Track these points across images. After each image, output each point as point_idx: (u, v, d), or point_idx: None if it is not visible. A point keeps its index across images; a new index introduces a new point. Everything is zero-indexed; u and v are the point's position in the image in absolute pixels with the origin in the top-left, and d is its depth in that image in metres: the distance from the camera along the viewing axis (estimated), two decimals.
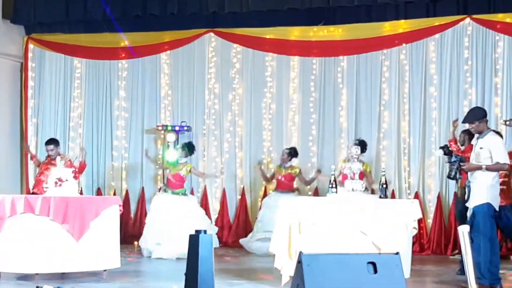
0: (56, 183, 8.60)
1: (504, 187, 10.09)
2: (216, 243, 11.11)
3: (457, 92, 12.13)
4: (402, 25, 12.48)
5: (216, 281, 6.49)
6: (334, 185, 8.47)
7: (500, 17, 11.96)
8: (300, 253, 5.64)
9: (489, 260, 7.58)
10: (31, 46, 13.94)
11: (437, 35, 12.28)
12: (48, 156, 11.09)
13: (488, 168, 7.81)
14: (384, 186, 8.47)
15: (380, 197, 8.29)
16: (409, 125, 12.34)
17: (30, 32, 14.00)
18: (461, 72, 12.13)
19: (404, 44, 12.44)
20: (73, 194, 8.62)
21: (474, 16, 12.05)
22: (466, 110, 11.92)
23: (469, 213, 7.97)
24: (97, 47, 13.61)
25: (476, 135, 8.19)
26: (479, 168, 7.83)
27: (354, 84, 12.68)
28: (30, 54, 13.93)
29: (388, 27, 12.53)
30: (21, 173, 13.84)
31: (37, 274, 8.14)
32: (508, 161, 7.90)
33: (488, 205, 7.80)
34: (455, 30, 12.18)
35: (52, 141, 11.20)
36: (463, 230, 5.97)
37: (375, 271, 5.64)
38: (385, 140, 12.41)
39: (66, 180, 8.60)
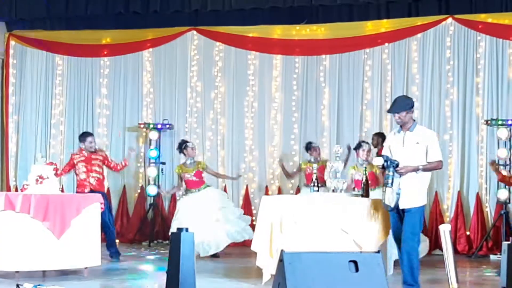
0: (37, 180, 8.54)
1: None
2: (249, 234, 10.84)
3: (439, 92, 12.19)
4: (384, 25, 12.52)
5: (198, 279, 6.48)
6: (316, 184, 8.47)
7: (482, 17, 12.03)
8: (282, 251, 5.65)
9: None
10: (12, 42, 13.84)
11: (419, 35, 12.33)
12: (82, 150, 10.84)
13: (425, 169, 7.31)
14: (365, 184, 8.47)
15: (362, 196, 8.30)
16: (391, 125, 12.35)
17: (12, 29, 13.91)
18: (443, 71, 12.18)
19: (386, 44, 12.48)
20: (54, 191, 8.58)
21: (456, 16, 12.11)
22: (448, 109, 12.07)
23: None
24: (79, 44, 13.54)
25: (397, 129, 7.54)
26: (416, 169, 7.26)
27: (336, 83, 12.71)
28: (11, 51, 13.83)
29: (371, 27, 12.57)
30: (1, 170, 13.74)
31: (17, 272, 8.09)
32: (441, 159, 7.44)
33: (424, 207, 7.49)
34: (437, 30, 12.24)
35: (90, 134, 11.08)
36: (444, 229, 5.99)
37: (357, 270, 5.65)
38: (367, 139, 12.42)
39: (47, 178, 8.55)
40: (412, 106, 7.45)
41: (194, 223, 10.30)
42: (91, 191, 10.22)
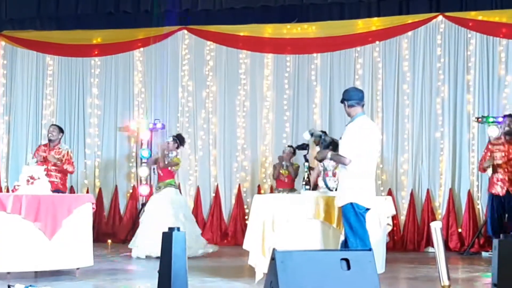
0: (28, 181, 8.51)
1: None
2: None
3: (430, 90, 12.21)
4: (375, 23, 12.54)
5: (189, 279, 6.47)
6: (307, 182, 8.47)
7: (472, 15, 12.06)
8: (274, 250, 5.64)
9: None
10: (2, 43, 13.82)
11: (410, 33, 12.35)
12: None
13: (332, 158, 7.09)
14: None
15: None
16: (382, 122, 12.40)
17: (2, 29, 13.86)
18: (434, 69, 12.21)
19: (377, 42, 12.51)
20: (45, 192, 8.55)
21: (447, 13, 12.15)
22: (439, 107, 12.10)
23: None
24: (69, 44, 13.51)
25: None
26: (325, 156, 7.08)
27: (328, 81, 12.72)
28: (1, 52, 13.82)
29: (361, 25, 12.59)
30: None
31: (9, 273, 8.06)
32: (351, 156, 6.90)
33: (354, 205, 7.04)
34: (428, 27, 12.27)
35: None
36: (436, 227, 5.99)
37: (349, 268, 5.65)
38: None
39: (38, 178, 8.52)
40: (353, 101, 7.05)
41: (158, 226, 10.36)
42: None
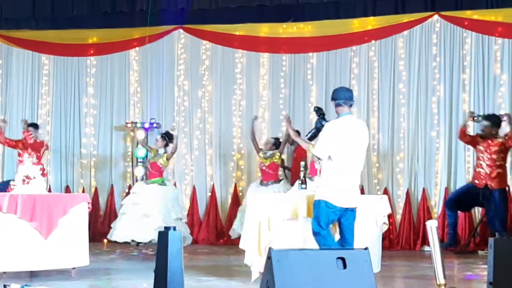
0: (23, 180, 8.50)
1: (500, 170, 10.34)
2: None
3: (426, 89, 12.23)
4: (371, 22, 12.54)
5: (186, 278, 6.47)
6: (303, 181, 8.46)
7: (467, 14, 12.07)
8: (270, 249, 5.64)
9: None
10: None
11: (405, 32, 12.36)
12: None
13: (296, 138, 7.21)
14: None
15: None
16: (378, 121, 12.41)
17: None
18: (430, 68, 12.22)
19: (373, 41, 12.51)
20: (41, 191, 8.54)
21: (442, 13, 12.16)
22: (435, 106, 12.12)
23: None
24: (65, 44, 13.50)
25: None
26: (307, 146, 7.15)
27: (324, 80, 12.73)
28: None
29: (357, 24, 12.59)
30: None
31: (4, 272, 8.05)
32: (323, 155, 6.94)
33: (324, 202, 7.02)
34: (423, 27, 12.28)
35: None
36: (431, 225, 6.00)
37: (345, 266, 5.65)
38: None
39: (34, 178, 8.51)
40: (340, 100, 7.03)
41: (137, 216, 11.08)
42: None
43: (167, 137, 11.61)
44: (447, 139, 12.09)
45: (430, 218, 11.54)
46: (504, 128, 11.08)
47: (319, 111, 8.42)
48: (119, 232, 11.37)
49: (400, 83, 12.35)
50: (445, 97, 12.13)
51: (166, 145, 11.60)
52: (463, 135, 11.21)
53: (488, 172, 10.73)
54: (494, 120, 10.81)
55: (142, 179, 12.42)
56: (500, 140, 10.78)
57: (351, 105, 7.17)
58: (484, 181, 10.75)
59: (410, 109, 12.26)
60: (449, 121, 12.11)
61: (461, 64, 12.09)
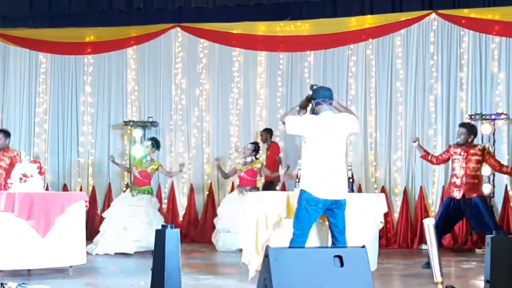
0: (21, 179, 8.50)
1: (476, 180, 10.15)
2: None
3: (423, 87, 12.23)
4: (368, 20, 12.54)
5: (183, 277, 6.48)
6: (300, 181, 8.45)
7: (465, 12, 12.07)
8: (267, 247, 5.65)
9: None
10: None
11: (403, 30, 12.36)
12: None
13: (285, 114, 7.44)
14: (351, 180, 8.48)
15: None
16: (375, 120, 12.41)
17: None
18: (427, 67, 12.23)
19: (370, 39, 12.51)
20: (38, 190, 8.54)
21: (440, 11, 12.16)
22: (432, 104, 12.12)
23: None
24: (62, 42, 13.48)
25: None
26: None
27: (321, 79, 12.71)
28: None
29: (355, 22, 12.59)
30: None
31: (1, 271, 8.04)
32: (288, 127, 7.15)
33: (302, 192, 7.06)
34: (421, 25, 12.28)
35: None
36: (428, 223, 6.00)
37: (342, 265, 5.66)
38: (351, 134, 12.44)
39: (31, 176, 8.51)
40: (319, 99, 7.14)
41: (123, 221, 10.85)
42: None
43: (156, 144, 11.51)
44: (444, 138, 12.09)
45: (427, 216, 11.53)
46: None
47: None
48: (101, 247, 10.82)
49: (398, 81, 12.35)
50: (442, 95, 12.14)
51: (154, 151, 11.50)
52: (432, 160, 10.52)
53: (465, 181, 10.03)
54: (470, 128, 10.38)
55: (126, 187, 12.07)
56: (478, 148, 10.35)
57: (330, 103, 7.25)
58: (461, 191, 10.04)
59: (407, 107, 12.27)
60: (446, 120, 12.11)
61: (459, 62, 12.10)
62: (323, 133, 7.07)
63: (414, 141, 10.45)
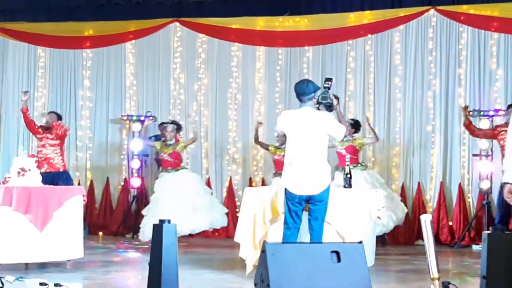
0: (19, 173, 8.50)
1: None
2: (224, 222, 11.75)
3: (422, 83, 12.23)
4: (367, 16, 12.53)
5: (180, 271, 6.47)
6: None
7: (464, 8, 12.07)
8: (264, 242, 5.67)
9: None
10: None
11: (401, 26, 12.35)
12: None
13: None
14: (348, 176, 8.50)
15: (345, 186, 8.33)
16: (374, 116, 12.41)
17: None
18: (426, 63, 12.23)
19: (369, 35, 12.50)
20: (36, 184, 8.54)
21: (439, 7, 12.15)
22: (431, 100, 12.13)
23: None
24: (61, 36, 13.46)
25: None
26: None
27: (320, 74, 12.71)
28: None
29: (353, 18, 12.58)
30: None
31: None
32: (277, 128, 7.58)
33: (285, 190, 7.21)
34: (420, 21, 12.27)
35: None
36: (425, 219, 6.01)
37: (339, 260, 5.68)
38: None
39: (29, 170, 8.51)
40: (297, 95, 7.36)
41: (171, 206, 10.95)
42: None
43: (178, 126, 11.78)
44: (442, 134, 12.10)
45: (425, 212, 11.55)
46: None
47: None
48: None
49: (396, 77, 12.35)
50: (441, 91, 12.14)
51: (174, 136, 11.72)
52: (474, 130, 10.91)
53: None
54: None
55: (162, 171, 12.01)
56: None
57: (309, 98, 7.29)
58: None
59: (405, 103, 12.27)
60: (444, 116, 12.11)
61: (457, 58, 12.10)
62: (297, 129, 7.15)
63: (466, 107, 10.90)
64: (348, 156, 10.05)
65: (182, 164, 11.88)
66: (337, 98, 7.81)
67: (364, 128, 11.74)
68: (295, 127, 7.20)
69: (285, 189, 7.19)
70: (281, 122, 7.39)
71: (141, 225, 11.45)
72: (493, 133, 10.66)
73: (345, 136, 10.22)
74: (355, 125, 11.23)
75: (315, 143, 7.13)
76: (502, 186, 5.21)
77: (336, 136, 7.35)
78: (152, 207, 11.41)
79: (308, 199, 7.13)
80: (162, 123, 12.25)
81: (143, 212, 11.60)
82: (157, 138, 12.39)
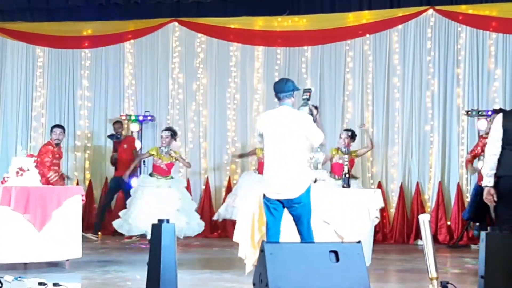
0: (17, 172, 8.49)
1: None
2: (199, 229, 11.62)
3: (420, 83, 12.25)
4: (365, 16, 12.55)
5: (179, 271, 6.47)
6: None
7: (462, 8, 12.10)
8: (263, 242, 5.66)
9: None
10: None
11: (400, 26, 12.37)
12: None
13: None
14: (347, 175, 8.51)
15: (343, 186, 8.33)
16: (372, 115, 12.43)
17: None
18: (424, 63, 12.24)
19: (367, 35, 12.51)
20: (34, 183, 8.54)
21: (437, 7, 12.18)
22: (429, 100, 12.14)
23: None
24: (59, 36, 13.47)
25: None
26: None
27: (318, 74, 12.74)
28: None
29: (352, 18, 12.60)
30: None
31: None
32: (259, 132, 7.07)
33: (263, 195, 6.99)
34: (418, 21, 12.29)
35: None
36: (424, 219, 6.03)
37: (337, 260, 5.68)
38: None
39: (28, 170, 8.51)
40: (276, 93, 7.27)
41: (152, 209, 10.85)
42: None
43: (174, 133, 11.71)
44: (441, 134, 12.11)
45: (423, 212, 11.57)
46: None
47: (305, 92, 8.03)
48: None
49: (395, 77, 12.36)
50: (439, 91, 12.15)
51: (169, 143, 11.62)
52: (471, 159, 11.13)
53: None
54: None
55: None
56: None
57: (287, 97, 7.13)
58: None
59: (404, 103, 12.28)
60: (443, 116, 12.13)
61: (456, 58, 12.12)
62: (274, 130, 6.87)
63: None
64: (346, 162, 9.99)
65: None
66: (316, 108, 7.63)
67: (362, 136, 11.79)
68: (273, 127, 6.89)
69: (264, 194, 6.91)
70: (259, 125, 7.11)
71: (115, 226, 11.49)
72: (483, 143, 10.60)
73: (340, 150, 10.37)
74: (353, 136, 11.33)
75: (292, 144, 6.79)
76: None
77: (312, 141, 6.94)
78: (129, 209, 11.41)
79: (286, 203, 6.79)
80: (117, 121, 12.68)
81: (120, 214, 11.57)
82: (112, 137, 12.72)
